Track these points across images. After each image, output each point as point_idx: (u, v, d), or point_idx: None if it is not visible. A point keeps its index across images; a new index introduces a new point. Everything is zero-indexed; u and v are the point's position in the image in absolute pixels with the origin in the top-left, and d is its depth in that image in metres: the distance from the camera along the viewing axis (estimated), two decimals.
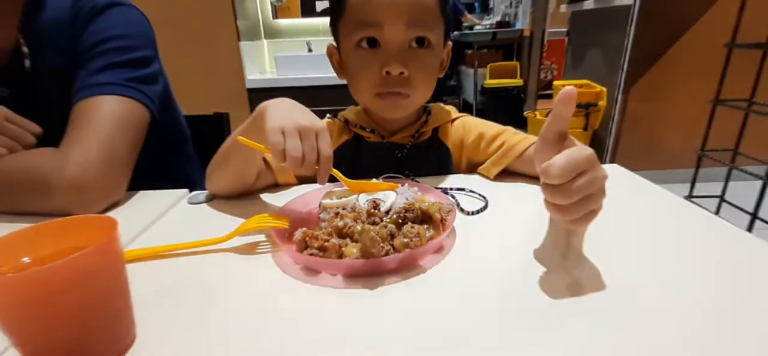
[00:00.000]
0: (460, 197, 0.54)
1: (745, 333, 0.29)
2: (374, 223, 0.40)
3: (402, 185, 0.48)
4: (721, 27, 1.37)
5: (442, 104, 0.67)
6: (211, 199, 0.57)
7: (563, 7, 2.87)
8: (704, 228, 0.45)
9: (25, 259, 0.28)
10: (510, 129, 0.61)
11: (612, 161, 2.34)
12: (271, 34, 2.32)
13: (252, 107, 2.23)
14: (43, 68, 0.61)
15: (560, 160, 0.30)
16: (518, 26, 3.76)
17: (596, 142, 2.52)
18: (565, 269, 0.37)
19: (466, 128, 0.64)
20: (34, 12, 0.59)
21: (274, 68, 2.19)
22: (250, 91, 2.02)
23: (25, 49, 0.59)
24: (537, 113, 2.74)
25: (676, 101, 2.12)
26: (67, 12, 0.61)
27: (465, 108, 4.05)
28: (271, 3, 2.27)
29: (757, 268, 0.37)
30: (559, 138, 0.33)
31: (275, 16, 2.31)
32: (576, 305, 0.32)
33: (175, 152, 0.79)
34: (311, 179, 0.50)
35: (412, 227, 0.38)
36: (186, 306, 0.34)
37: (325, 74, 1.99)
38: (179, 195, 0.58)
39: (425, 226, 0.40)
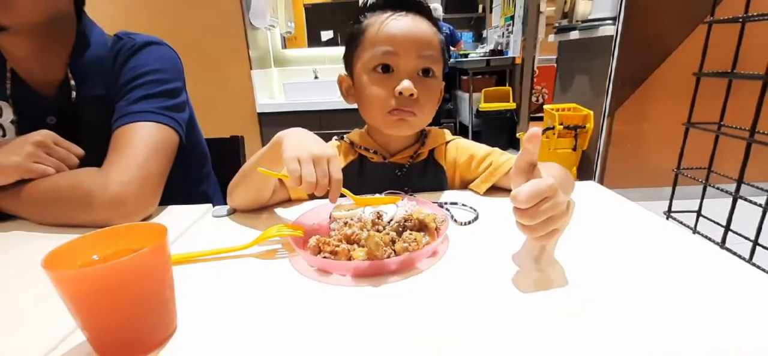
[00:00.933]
0: (454, 210, 0.58)
1: (686, 329, 0.33)
2: (378, 231, 0.45)
3: (402, 200, 0.53)
4: (696, 55, 1.44)
5: (437, 128, 0.73)
6: (232, 212, 0.62)
7: (551, 37, 2.98)
8: (669, 238, 0.49)
9: (95, 256, 0.33)
10: (497, 150, 0.66)
11: (600, 180, 2.38)
12: (280, 62, 2.42)
13: (263, 131, 2.30)
14: (86, 98, 0.66)
15: (526, 188, 0.35)
16: (510, 54, 3.87)
17: (585, 161, 2.58)
18: (539, 270, 0.41)
19: (459, 149, 0.69)
20: (80, 50, 0.66)
21: (283, 94, 2.27)
22: (261, 115, 2.10)
23: (73, 82, 0.65)
24: None
25: (658, 123, 2.19)
26: (109, 49, 0.68)
27: (461, 130, 4.13)
28: (281, 35, 2.37)
29: (704, 270, 0.41)
30: (528, 168, 0.37)
31: (284, 46, 2.41)
32: (546, 301, 0.36)
33: (197, 171, 0.84)
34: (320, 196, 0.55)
35: (411, 234, 0.42)
36: (216, 303, 0.39)
37: (330, 99, 2.07)
38: (204, 209, 0.63)
39: (422, 233, 0.45)
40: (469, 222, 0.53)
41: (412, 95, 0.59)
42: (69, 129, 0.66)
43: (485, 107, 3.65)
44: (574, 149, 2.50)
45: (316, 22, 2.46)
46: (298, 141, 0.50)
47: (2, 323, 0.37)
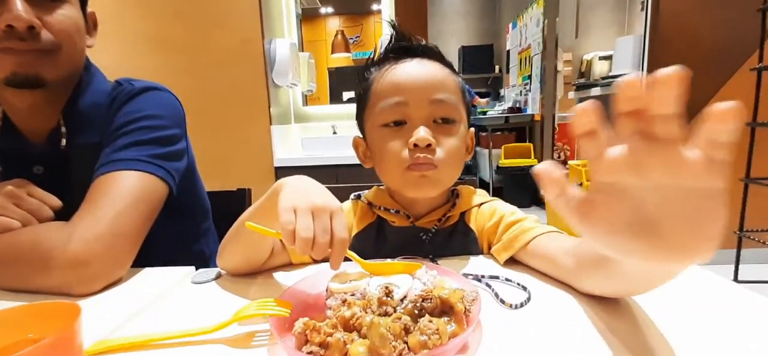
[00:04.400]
0: (497, 285, 0.44)
1: None
2: (386, 314, 0.33)
3: (421, 268, 0.41)
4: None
5: (469, 187, 0.61)
6: (218, 277, 0.52)
7: (571, 94, 2.92)
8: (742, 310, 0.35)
9: None
10: (531, 218, 0.53)
11: None
12: (300, 118, 2.44)
13: None
14: (77, 146, 0.60)
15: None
16: (529, 111, 3.82)
17: None
18: None
19: (492, 210, 0.57)
20: (76, 97, 0.61)
21: (301, 149, 2.26)
22: (278, 169, 2.06)
23: (63, 129, 0.60)
24: None
25: None
26: (107, 95, 0.63)
27: (482, 186, 4.00)
28: (302, 93, 2.41)
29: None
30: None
31: (305, 103, 2.45)
32: None
33: (193, 226, 0.76)
34: (319, 259, 0.44)
35: (431, 321, 0.30)
36: None
37: (347, 154, 2.02)
38: (183, 274, 0.52)
39: (446, 319, 0.32)
40: (521, 305, 0.40)
41: (429, 144, 0.49)
42: (57, 179, 0.59)
43: (505, 163, 3.54)
44: None
45: (339, 83, 2.52)
46: (298, 189, 0.41)
47: None
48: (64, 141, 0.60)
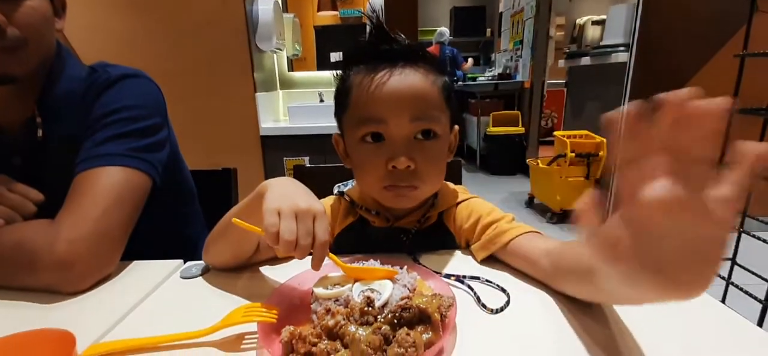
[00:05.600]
0: (478, 287, 0.46)
1: None
2: (368, 323, 0.35)
3: (401, 270, 0.43)
4: (717, 85, 1.33)
5: (450, 186, 0.62)
6: (206, 271, 0.53)
7: (561, 63, 2.91)
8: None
9: None
10: (508, 216, 0.55)
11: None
12: (286, 85, 2.37)
13: (265, 155, 2.21)
14: (55, 137, 0.59)
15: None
16: (519, 78, 3.80)
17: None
18: None
19: (470, 210, 0.58)
20: (51, 85, 0.58)
21: (287, 117, 2.21)
22: (264, 138, 2.03)
23: (39, 119, 0.58)
24: (539, 160, 2.70)
25: None
26: (82, 83, 0.60)
27: (469, 153, 4.03)
28: (287, 57, 2.33)
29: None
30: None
31: (291, 68, 2.37)
32: None
33: (179, 212, 0.76)
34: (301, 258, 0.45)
35: (408, 334, 0.33)
36: None
37: (334, 124, 2.00)
38: (172, 268, 0.54)
39: (422, 327, 0.35)
40: (501, 309, 0.42)
41: (408, 166, 0.49)
42: (36, 171, 0.58)
43: (493, 130, 3.56)
44: (587, 177, 2.38)
45: (326, 44, 2.42)
46: (282, 192, 0.42)
47: None
48: (40, 132, 0.58)
